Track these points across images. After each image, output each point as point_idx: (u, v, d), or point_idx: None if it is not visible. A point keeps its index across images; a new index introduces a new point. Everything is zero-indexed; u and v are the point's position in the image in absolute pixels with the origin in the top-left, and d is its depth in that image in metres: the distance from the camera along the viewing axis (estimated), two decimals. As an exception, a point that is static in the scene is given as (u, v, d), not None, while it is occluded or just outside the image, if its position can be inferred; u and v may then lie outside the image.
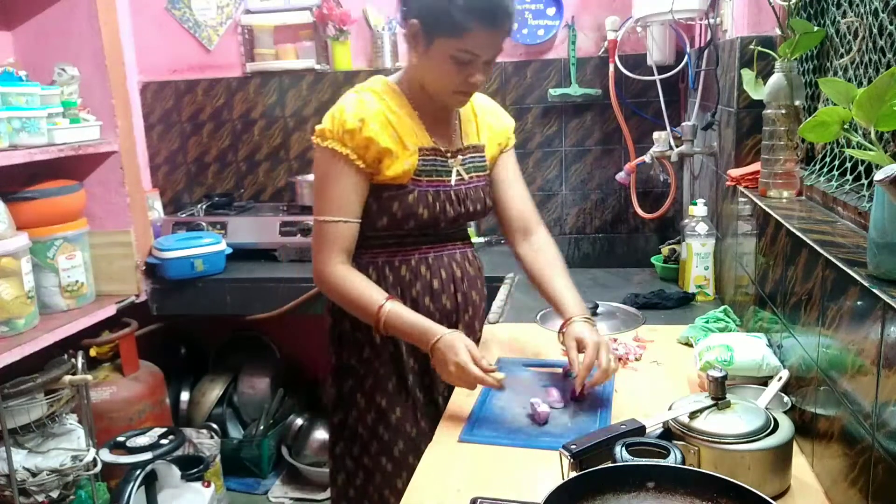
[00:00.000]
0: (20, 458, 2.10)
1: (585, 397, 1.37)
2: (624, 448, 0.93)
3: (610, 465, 0.90)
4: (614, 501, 0.81)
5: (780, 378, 1.18)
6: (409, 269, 1.50)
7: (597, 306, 1.88)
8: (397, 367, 1.53)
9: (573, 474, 0.90)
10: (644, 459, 0.93)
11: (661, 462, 0.91)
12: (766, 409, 1.09)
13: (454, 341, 1.32)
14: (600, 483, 0.82)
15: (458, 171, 1.50)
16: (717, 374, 1.06)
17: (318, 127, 1.43)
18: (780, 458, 1.03)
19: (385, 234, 1.48)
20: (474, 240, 2.72)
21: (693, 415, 1.05)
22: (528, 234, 1.61)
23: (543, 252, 1.58)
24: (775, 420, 1.06)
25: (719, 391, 1.06)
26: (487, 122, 1.58)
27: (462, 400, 1.42)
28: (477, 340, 1.65)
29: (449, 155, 1.49)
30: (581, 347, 1.36)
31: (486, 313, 1.70)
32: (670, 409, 1.12)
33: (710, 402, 1.06)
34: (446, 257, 1.55)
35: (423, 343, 1.36)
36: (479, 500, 1.03)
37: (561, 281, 1.52)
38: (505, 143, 1.62)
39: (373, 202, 1.44)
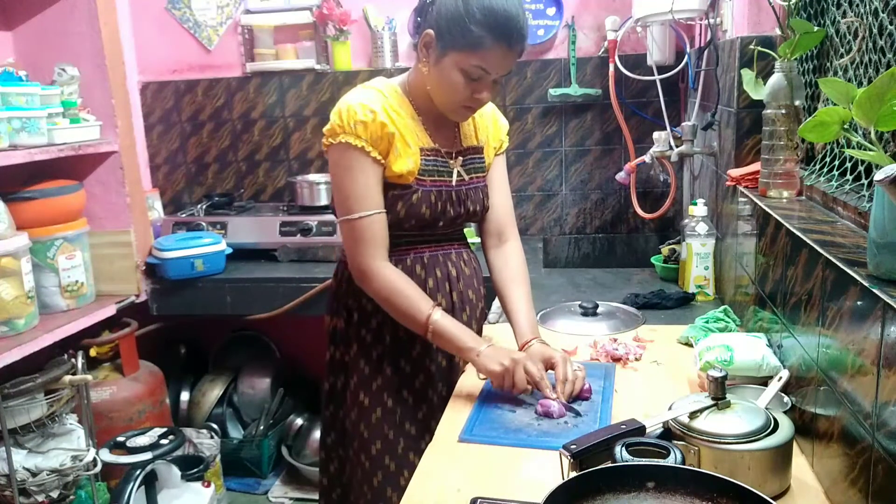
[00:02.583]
0: (20, 458, 2.10)
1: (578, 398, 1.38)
2: (624, 448, 0.93)
3: (610, 465, 0.90)
4: (614, 501, 0.82)
5: (780, 378, 1.18)
6: (403, 268, 1.50)
7: (597, 306, 1.88)
8: (383, 368, 1.54)
9: (573, 474, 0.90)
10: (644, 459, 0.93)
11: (661, 462, 0.91)
12: (766, 409, 1.09)
13: (505, 348, 1.43)
14: (600, 483, 0.82)
15: (458, 171, 1.51)
16: (717, 374, 1.06)
17: (325, 128, 1.43)
18: (781, 458, 1.03)
19: None
20: (473, 240, 2.74)
21: (693, 415, 1.05)
22: (502, 241, 1.62)
23: (510, 262, 1.60)
24: (775, 420, 1.06)
25: (719, 391, 1.06)
26: (485, 124, 1.60)
27: (462, 400, 1.42)
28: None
29: (449, 156, 1.50)
30: (549, 366, 1.40)
31: (485, 314, 1.71)
32: (670, 409, 1.12)
33: (710, 402, 1.06)
34: (441, 257, 1.56)
35: (469, 350, 1.40)
36: (479, 500, 1.03)
37: (518, 298, 1.55)
38: (499, 145, 1.63)
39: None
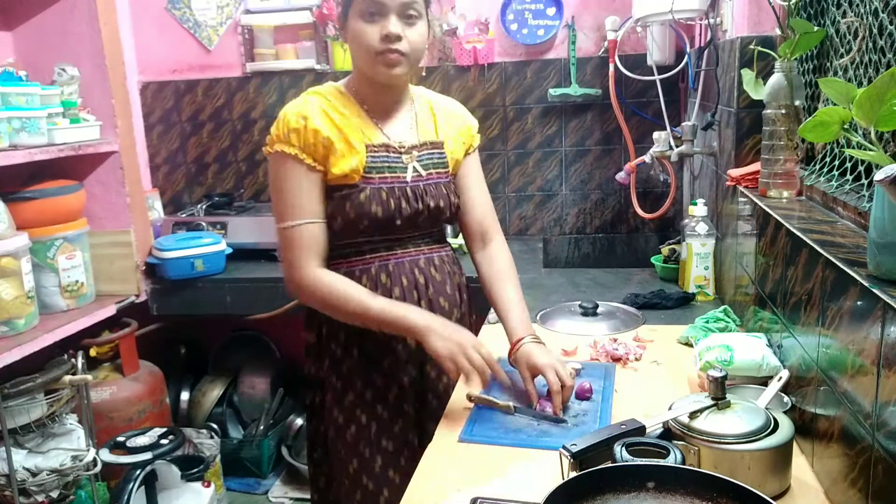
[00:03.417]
0: (20, 458, 2.10)
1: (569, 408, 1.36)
2: (624, 448, 0.93)
3: (610, 465, 0.90)
4: (614, 501, 0.82)
5: (780, 378, 1.18)
6: (369, 278, 1.44)
7: (597, 306, 1.88)
8: (354, 382, 1.48)
9: (573, 474, 0.90)
10: (644, 459, 0.93)
11: (661, 462, 0.91)
12: (766, 409, 1.09)
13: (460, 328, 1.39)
14: (600, 483, 0.83)
15: (413, 167, 1.45)
16: (717, 374, 1.06)
17: (269, 137, 1.42)
18: (780, 458, 1.03)
19: (343, 244, 1.44)
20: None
21: (693, 415, 1.05)
22: (486, 241, 1.58)
23: (496, 262, 1.56)
24: (775, 420, 1.06)
25: (719, 391, 1.06)
26: (447, 121, 1.54)
27: (462, 400, 1.42)
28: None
29: (403, 151, 1.44)
30: (536, 373, 1.36)
31: (466, 320, 1.58)
32: (670, 409, 1.12)
33: (710, 402, 1.06)
34: (408, 263, 1.48)
35: (418, 328, 1.34)
36: (479, 500, 1.03)
37: (508, 296, 1.50)
38: (470, 142, 1.57)
39: (328, 205, 1.41)
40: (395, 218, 1.42)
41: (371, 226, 1.40)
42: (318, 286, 1.39)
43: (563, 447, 1.01)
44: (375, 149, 1.41)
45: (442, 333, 1.33)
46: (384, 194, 1.40)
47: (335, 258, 1.45)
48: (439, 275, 1.52)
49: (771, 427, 1.04)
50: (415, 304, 1.45)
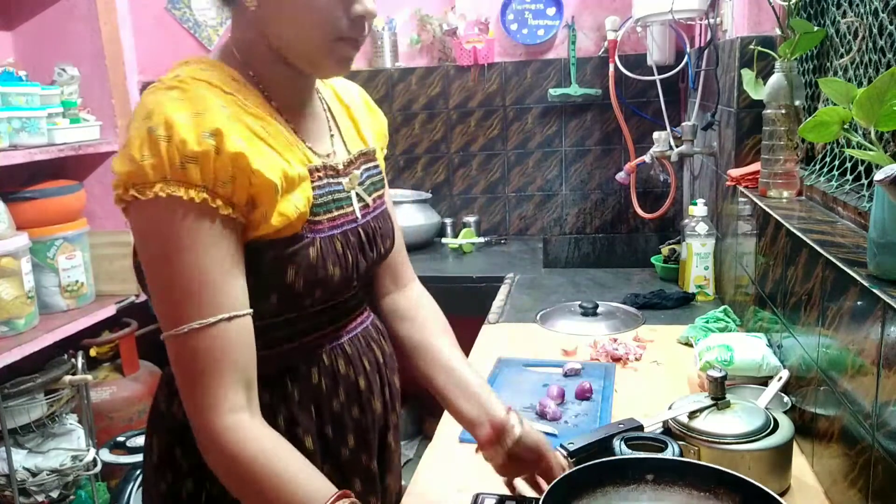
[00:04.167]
0: (20, 458, 2.10)
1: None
2: (623, 442, 0.94)
3: (610, 458, 0.91)
4: (614, 494, 0.83)
5: (780, 378, 1.18)
6: (322, 372, 0.93)
7: (597, 306, 1.88)
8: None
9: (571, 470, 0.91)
10: (642, 453, 0.93)
11: (660, 455, 0.91)
12: (766, 409, 1.09)
13: None
14: (601, 476, 0.84)
15: (358, 194, 0.95)
16: (717, 374, 1.06)
17: (120, 168, 0.79)
18: (780, 457, 1.03)
19: (271, 324, 0.87)
20: (474, 240, 2.75)
21: (692, 415, 1.05)
22: (401, 281, 1.10)
23: (425, 311, 1.09)
24: (775, 420, 1.06)
25: (719, 391, 1.06)
26: (366, 118, 1.05)
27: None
28: (400, 449, 1.14)
29: (340, 171, 0.94)
30: (537, 458, 0.97)
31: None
32: (670, 408, 1.12)
33: (709, 402, 1.06)
34: (363, 338, 1.00)
35: None
36: (480, 496, 1.03)
37: (457, 357, 1.04)
38: (385, 148, 1.09)
39: (249, 276, 0.82)
40: (352, 279, 0.93)
41: (322, 297, 0.90)
42: (240, 455, 0.77)
43: (561, 445, 1.02)
44: (317, 173, 0.89)
45: None
46: (339, 245, 0.89)
47: (261, 352, 0.84)
48: (387, 345, 1.06)
49: (771, 427, 1.04)
50: (378, 391, 1.00)
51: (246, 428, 0.78)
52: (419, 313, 1.08)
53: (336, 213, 0.90)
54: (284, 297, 0.86)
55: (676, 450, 0.94)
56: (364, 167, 0.99)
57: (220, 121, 0.77)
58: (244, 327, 0.80)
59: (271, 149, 0.82)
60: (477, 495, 1.03)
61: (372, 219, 0.97)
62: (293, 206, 0.83)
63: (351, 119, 1.02)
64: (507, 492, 1.03)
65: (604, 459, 0.87)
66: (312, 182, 0.87)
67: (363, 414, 0.98)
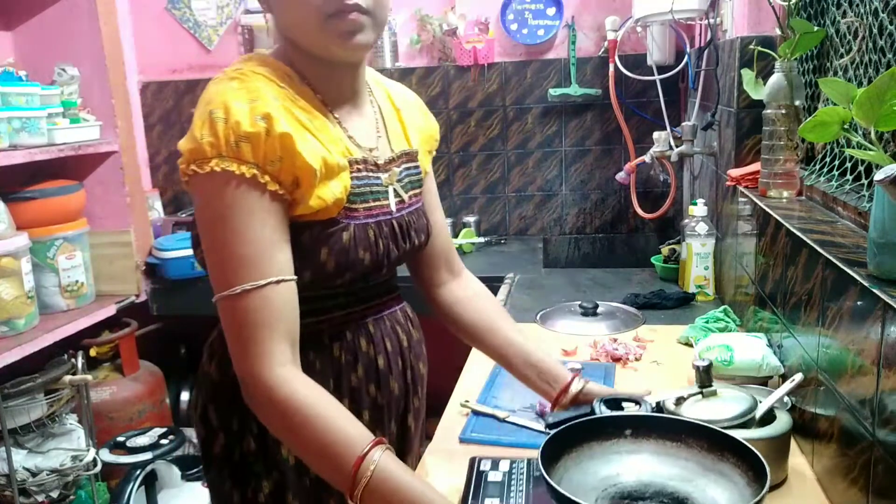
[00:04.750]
0: (20, 458, 2.10)
1: None
2: (601, 403, 1.01)
3: (591, 416, 0.98)
4: (597, 447, 0.94)
5: (794, 380, 1.11)
6: (344, 347, 1.03)
7: (597, 306, 1.88)
8: None
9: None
10: (619, 412, 1.01)
11: (636, 412, 0.99)
12: (752, 395, 1.09)
13: None
14: (584, 434, 0.94)
15: (395, 190, 1.04)
16: (702, 363, 1.07)
17: (184, 146, 0.89)
18: (775, 449, 1.04)
19: (302, 299, 0.93)
20: (474, 240, 2.75)
21: (679, 401, 1.06)
22: (454, 273, 1.20)
23: (482, 297, 1.19)
24: (771, 411, 1.06)
25: (706, 380, 1.07)
26: (414, 121, 1.14)
27: (461, 401, 1.42)
28: (424, 431, 1.23)
29: (380, 167, 1.03)
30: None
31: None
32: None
33: (696, 390, 1.07)
34: (388, 320, 1.09)
35: None
36: (477, 458, 1.10)
37: (517, 336, 1.14)
38: (433, 150, 1.19)
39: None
40: (381, 266, 1.02)
41: (352, 278, 0.99)
42: (290, 401, 0.86)
43: (545, 423, 1.06)
44: (357, 166, 0.98)
45: None
46: (371, 233, 0.99)
47: None
48: (416, 332, 1.16)
49: (755, 410, 1.04)
50: (399, 376, 1.09)
51: (294, 378, 0.88)
52: (478, 300, 1.18)
53: (373, 204, 1.00)
54: (317, 275, 0.95)
55: (649, 408, 1.01)
56: (405, 166, 1.07)
57: (271, 107, 0.88)
58: (290, 290, 0.90)
59: (315, 138, 0.92)
60: (473, 459, 1.04)
61: (407, 213, 1.06)
62: (331, 191, 0.93)
63: (400, 121, 1.10)
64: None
65: (586, 419, 0.96)
66: (351, 173, 0.97)
67: (380, 392, 1.06)
